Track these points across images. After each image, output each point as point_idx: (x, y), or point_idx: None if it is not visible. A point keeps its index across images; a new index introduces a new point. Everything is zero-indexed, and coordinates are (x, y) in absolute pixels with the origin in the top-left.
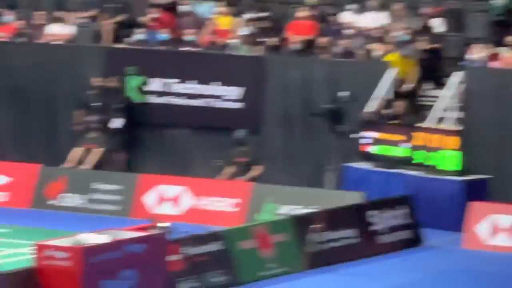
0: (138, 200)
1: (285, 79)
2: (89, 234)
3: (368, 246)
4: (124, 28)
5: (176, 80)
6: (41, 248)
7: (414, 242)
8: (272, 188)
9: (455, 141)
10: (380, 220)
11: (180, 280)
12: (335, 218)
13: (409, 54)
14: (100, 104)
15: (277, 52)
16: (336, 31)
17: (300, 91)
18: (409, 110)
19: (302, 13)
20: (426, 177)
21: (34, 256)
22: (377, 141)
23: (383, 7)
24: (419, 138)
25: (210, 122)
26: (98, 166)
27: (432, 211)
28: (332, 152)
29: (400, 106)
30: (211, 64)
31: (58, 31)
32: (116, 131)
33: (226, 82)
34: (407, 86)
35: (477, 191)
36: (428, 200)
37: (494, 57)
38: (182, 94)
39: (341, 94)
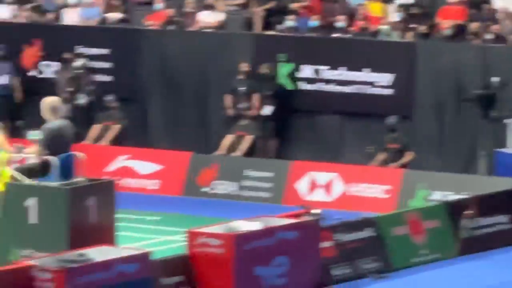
0: (290, 187)
1: (436, 65)
2: (242, 221)
3: None
4: (275, 15)
5: (327, 67)
6: (193, 235)
7: None
8: (423, 174)
9: None
10: None
11: (333, 266)
12: (488, 204)
13: None
14: (250, 91)
15: (427, 38)
16: (487, 16)
17: (451, 76)
18: None
19: None
20: None
21: (187, 243)
22: None
23: None
24: None
25: (360, 109)
26: (249, 153)
27: None
28: (484, 138)
29: None
30: (361, 51)
31: (209, 18)
32: (267, 118)
33: (376, 69)
34: None
35: None
36: None
37: None
38: (333, 81)
39: (493, 79)
